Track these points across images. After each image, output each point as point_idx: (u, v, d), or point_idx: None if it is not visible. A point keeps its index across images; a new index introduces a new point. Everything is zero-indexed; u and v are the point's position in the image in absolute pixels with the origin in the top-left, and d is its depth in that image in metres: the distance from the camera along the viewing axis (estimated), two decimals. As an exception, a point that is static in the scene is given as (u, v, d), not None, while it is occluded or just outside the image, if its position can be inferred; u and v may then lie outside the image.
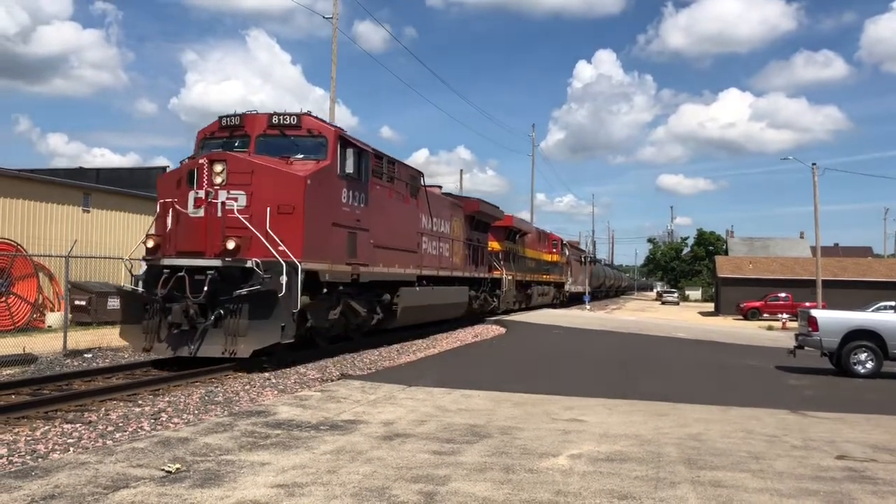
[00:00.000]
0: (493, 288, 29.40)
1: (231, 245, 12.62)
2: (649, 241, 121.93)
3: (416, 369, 13.73)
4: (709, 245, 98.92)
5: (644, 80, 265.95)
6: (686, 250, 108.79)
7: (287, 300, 12.70)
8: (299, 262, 12.93)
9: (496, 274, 29.65)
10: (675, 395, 11.52)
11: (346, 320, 15.97)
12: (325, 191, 14.10)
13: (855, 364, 15.08)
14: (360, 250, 15.61)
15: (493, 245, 30.04)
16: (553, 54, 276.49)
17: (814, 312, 16.05)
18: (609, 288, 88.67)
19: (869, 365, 15.05)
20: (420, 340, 20.42)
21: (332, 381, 12.18)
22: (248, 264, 12.61)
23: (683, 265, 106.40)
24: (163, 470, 6.01)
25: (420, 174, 20.39)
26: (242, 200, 13.00)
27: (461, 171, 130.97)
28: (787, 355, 16.24)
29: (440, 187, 24.71)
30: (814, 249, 52.24)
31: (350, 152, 14.97)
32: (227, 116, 14.64)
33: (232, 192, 13.03)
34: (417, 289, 19.41)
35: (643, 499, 5.72)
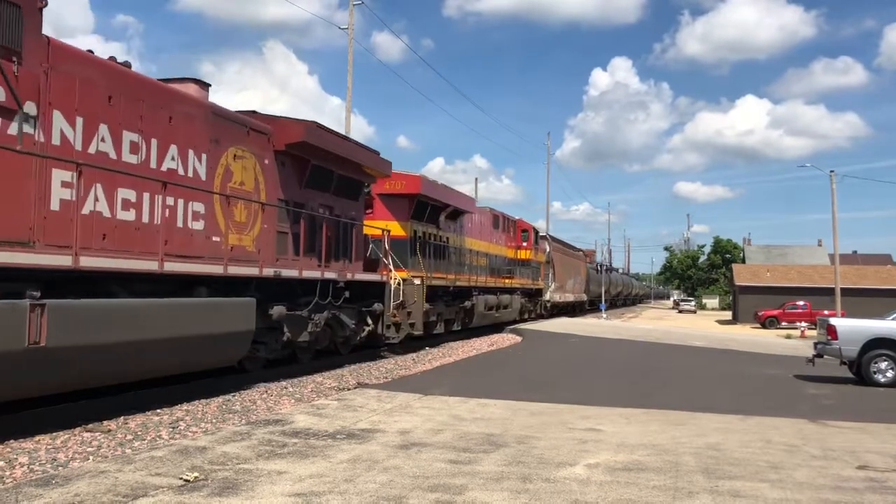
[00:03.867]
0: (371, 298, 16.69)
1: None
2: (666, 249, 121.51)
3: (432, 378, 13.73)
4: (726, 253, 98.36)
5: (660, 87, 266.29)
6: (703, 258, 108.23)
7: None
8: None
9: (383, 275, 17.16)
10: (692, 404, 11.44)
11: None
12: None
13: (875, 373, 14.91)
14: None
15: (385, 225, 18.00)
16: (569, 63, 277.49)
17: (833, 321, 15.90)
18: (616, 296, 78.07)
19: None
20: (435, 349, 20.44)
21: (349, 389, 12.21)
22: None
23: (700, 273, 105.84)
24: (181, 479, 6.05)
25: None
26: None
27: (476, 179, 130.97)
28: (806, 364, 16.09)
29: (207, 86, 12.02)
30: (832, 257, 51.85)
31: None
32: None
33: None
34: None
35: (661, 509, 5.68)
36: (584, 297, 52.40)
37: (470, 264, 25.10)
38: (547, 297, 38.24)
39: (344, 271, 15.27)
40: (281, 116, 13.77)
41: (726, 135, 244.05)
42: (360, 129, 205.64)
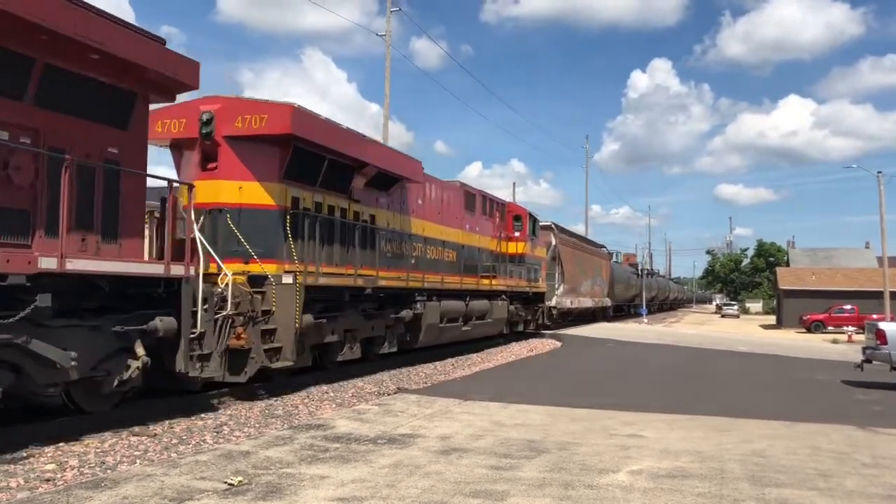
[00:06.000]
0: (166, 307, 9.34)
1: None
2: (708, 252, 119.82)
3: (472, 383, 13.72)
4: (769, 256, 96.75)
5: (701, 89, 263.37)
6: (746, 262, 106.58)
7: None
8: None
9: (172, 267, 9.29)
10: (736, 410, 11.26)
11: None
12: None
13: (927, 379, 14.52)
14: None
15: (238, 186, 12.08)
16: (607, 66, 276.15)
17: (882, 325, 15.53)
18: (651, 300, 66.71)
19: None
20: (475, 354, 20.41)
21: (389, 394, 12.26)
22: None
23: (743, 277, 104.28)
24: (226, 483, 6.13)
25: None
26: None
27: (514, 183, 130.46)
28: (854, 369, 15.73)
29: None
30: (880, 260, 50.64)
31: None
32: None
33: None
34: None
35: (706, 516, 5.60)
36: (608, 302, 45.01)
37: (420, 257, 17.50)
38: (553, 302, 30.73)
39: (26, 257, 7.56)
40: None
41: (769, 136, 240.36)
42: (398, 136, 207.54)
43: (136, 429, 8.86)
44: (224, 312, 10.76)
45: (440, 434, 8.60)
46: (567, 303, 33.62)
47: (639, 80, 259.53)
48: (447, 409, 10.46)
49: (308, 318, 12.24)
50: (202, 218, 11.51)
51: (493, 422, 9.59)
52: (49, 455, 7.50)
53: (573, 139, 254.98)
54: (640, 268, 65.37)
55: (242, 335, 11.11)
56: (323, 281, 12.91)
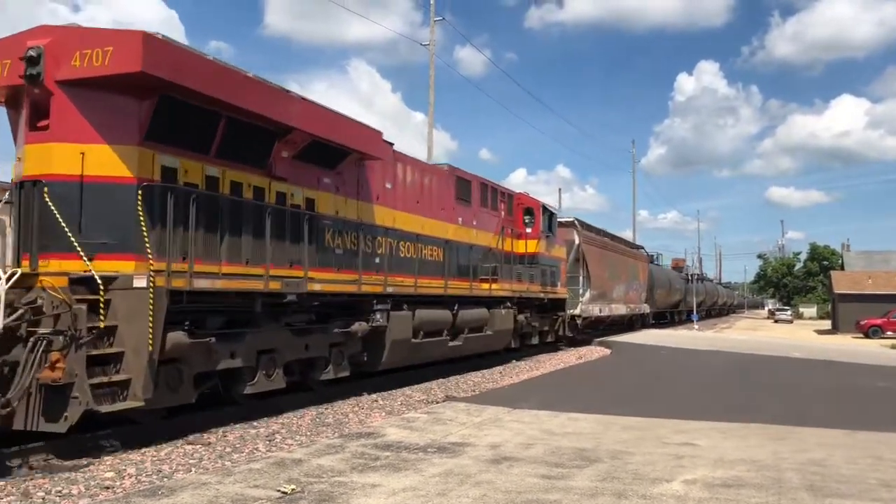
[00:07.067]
0: None
1: None
2: (759, 256, 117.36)
3: (520, 391, 13.65)
4: (823, 260, 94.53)
5: (749, 91, 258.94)
6: (799, 266, 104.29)
7: None
8: None
9: None
10: (793, 417, 11.00)
11: None
12: None
13: None
14: None
15: (79, 151, 8.63)
16: (653, 69, 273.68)
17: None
18: (698, 306, 59.06)
19: None
20: (522, 362, 20.33)
21: (438, 402, 12.28)
22: None
23: (796, 281, 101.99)
24: (279, 491, 6.19)
25: None
26: None
27: (559, 189, 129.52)
28: (916, 376, 15.26)
29: None
30: (941, 262, 49.12)
31: None
32: None
33: None
34: None
35: (765, 527, 5.48)
36: (646, 309, 40.86)
37: (388, 255, 14.01)
38: (577, 310, 26.56)
39: None
40: None
41: (821, 137, 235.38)
42: (443, 144, 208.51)
43: (191, 437, 9.03)
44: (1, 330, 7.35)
45: (490, 443, 8.57)
46: (595, 310, 29.21)
47: (685, 83, 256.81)
48: (496, 418, 10.43)
49: (178, 336, 8.95)
50: (8, 194, 8.97)
51: (544, 430, 9.53)
52: (108, 463, 7.69)
53: (619, 144, 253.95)
54: (688, 272, 64.41)
55: (59, 364, 7.65)
56: (202, 284, 9.30)
